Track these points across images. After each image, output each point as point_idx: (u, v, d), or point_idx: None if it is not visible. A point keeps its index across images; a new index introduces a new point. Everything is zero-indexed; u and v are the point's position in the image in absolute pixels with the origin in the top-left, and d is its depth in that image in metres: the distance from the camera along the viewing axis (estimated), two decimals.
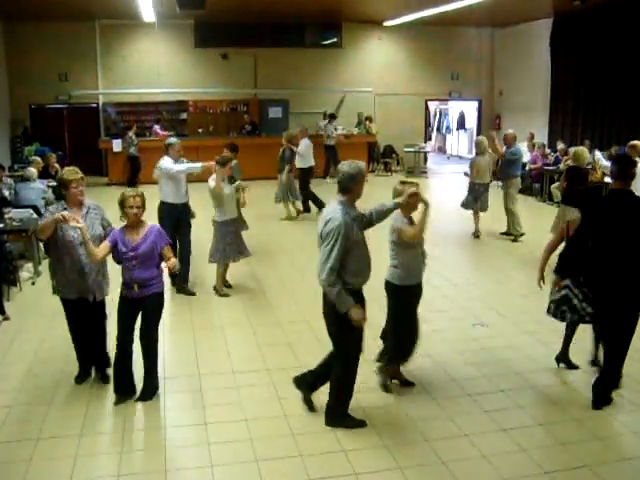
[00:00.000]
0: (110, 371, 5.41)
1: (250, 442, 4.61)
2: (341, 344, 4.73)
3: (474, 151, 11.62)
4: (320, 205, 13.01)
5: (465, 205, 11.20)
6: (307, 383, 5.09)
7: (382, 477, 4.23)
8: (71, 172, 5.23)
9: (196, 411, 5.07)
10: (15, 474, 4.21)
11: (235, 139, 17.44)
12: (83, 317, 5.41)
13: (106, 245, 5.05)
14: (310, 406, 5.06)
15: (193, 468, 4.34)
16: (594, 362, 5.67)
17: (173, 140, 8.20)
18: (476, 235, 11.06)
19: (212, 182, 7.60)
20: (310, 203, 13.08)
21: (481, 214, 11.11)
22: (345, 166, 4.62)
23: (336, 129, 17.69)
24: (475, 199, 11.03)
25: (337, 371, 4.82)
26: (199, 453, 4.49)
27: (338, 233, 4.40)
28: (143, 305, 5.13)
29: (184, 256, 7.97)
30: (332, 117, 17.88)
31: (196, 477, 4.26)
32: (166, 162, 7.84)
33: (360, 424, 4.83)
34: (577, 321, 5.33)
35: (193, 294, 8.02)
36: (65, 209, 5.11)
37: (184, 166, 7.88)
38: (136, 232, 5.08)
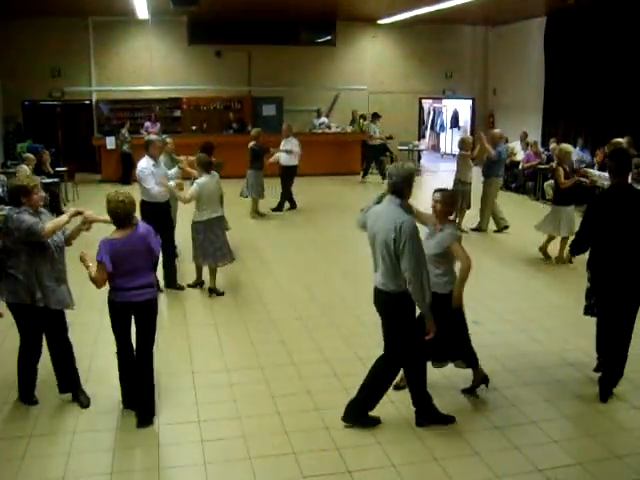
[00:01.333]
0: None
1: (243, 439, 4.61)
2: (405, 347, 4.70)
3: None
4: (293, 205, 13.13)
5: None
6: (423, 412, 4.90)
7: (375, 474, 4.23)
8: (30, 178, 5.04)
9: (189, 409, 5.06)
10: (8, 471, 4.20)
11: (224, 137, 17.57)
12: (48, 329, 5.10)
13: None
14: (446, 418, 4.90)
15: (187, 465, 4.34)
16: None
17: (153, 137, 8.18)
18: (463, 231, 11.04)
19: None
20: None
21: (467, 211, 11.23)
22: (398, 169, 4.54)
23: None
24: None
25: (411, 378, 4.83)
26: (192, 450, 4.48)
27: (416, 232, 4.43)
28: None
29: (170, 257, 8.05)
30: (375, 116, 17.71)
31: (190, 474, 4.26)
32: (143, 163, 7.69)
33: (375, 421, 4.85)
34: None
35: (182, 288, 8.07)
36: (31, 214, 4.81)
37: (160, 189, 7.67)
38: None
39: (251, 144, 12.37)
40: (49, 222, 4.84)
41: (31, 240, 4.75)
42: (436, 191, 5.12)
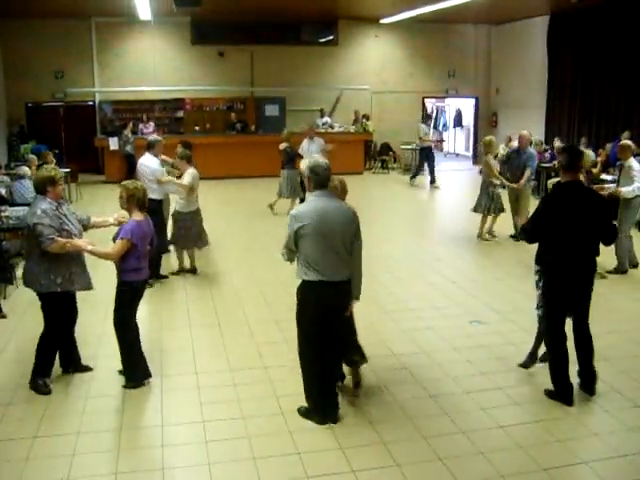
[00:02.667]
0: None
1: (247, 440, 4.60)
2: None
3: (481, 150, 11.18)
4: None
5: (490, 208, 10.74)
6: None
7: (379, 474, 4.22)
8: (55, 169, 5.46)
9: (193, 409, 5.06)
10: (12, 472, 4.20)
11: (228, 137, 17.71)
12: (70, 311, 5.56)
13: None
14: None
15: (190, 466, 4.33)
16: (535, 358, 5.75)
17: (160, 137, 9.01)
18: (494, 235, 10.84)
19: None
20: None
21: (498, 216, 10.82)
22: (320, 164, 4.67)
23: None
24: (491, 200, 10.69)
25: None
26: (196, 451, 4.48)
27: None
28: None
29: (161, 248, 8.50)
30: (428, 117, 17.57)
31: (194, 475, 4.25)
32: (154, 163, 8.36)
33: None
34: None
35: (166, 277, 8.55)
36: (50, 204, 5.19)
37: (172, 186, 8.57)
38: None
39: (284, 146, 12.60)
40: (62, 240, 5.10)
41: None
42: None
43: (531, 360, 5.74)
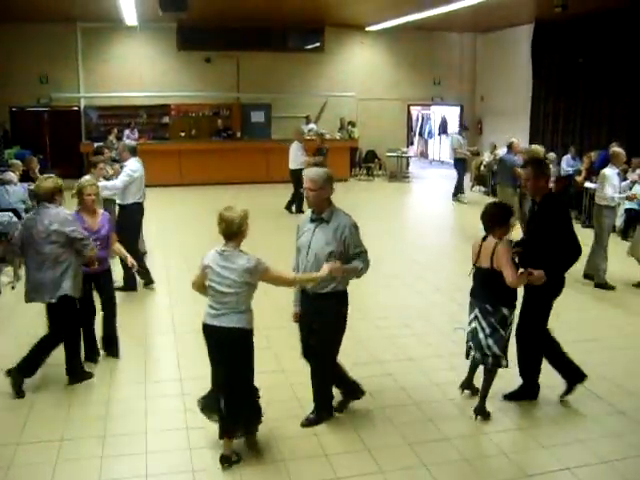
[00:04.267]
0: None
1: None
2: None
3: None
4: (299, 209, 13.31)
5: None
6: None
7: None
8: (59, 179, 5.57)
9: (178, 415, 5.05)
10: None
11: (214, 143, 17.76)
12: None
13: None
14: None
15: (175, 473, 4.31)
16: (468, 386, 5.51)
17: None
18: None
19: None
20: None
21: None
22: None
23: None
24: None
25: (323, 373, 4.94)
26: (181, 458, 4.46)
27: None
28: (99, 279, 5.90)
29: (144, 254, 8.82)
30: (464, 128, 17.50)
31: None
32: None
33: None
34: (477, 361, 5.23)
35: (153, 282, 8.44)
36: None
37: None
38: (93, 217, 5.87)
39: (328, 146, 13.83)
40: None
41: (74, 245, 5.32)
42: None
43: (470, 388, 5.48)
